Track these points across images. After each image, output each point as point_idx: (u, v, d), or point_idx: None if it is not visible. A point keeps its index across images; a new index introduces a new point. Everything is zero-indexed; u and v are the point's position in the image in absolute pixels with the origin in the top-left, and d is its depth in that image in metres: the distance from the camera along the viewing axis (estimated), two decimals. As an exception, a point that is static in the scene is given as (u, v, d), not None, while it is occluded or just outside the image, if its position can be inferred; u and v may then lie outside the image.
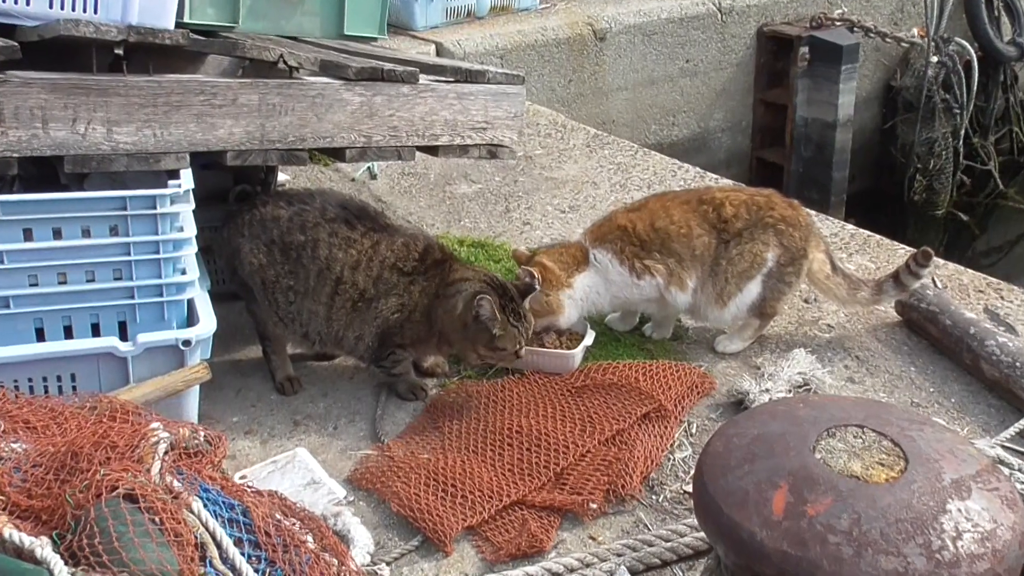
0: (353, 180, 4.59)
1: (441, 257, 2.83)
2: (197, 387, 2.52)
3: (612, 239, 3.00)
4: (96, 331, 2.46)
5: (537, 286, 2.87)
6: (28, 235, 2.35)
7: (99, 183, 2.56)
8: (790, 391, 2.78)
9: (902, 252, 3.70)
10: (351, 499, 2.45)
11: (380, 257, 2.75)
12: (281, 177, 4.18)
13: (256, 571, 1.70)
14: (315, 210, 2.77)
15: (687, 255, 2.96)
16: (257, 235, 2.76)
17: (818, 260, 3.04)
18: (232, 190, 3.31)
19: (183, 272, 2.52)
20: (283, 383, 2.92)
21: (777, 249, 2.97)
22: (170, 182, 2.49)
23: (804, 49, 6.95)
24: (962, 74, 7.45)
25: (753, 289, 2.99)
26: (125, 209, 2.39)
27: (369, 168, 4.67)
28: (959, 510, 1.56)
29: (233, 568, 1.67)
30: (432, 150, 3.01)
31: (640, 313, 3.22)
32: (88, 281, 2.43)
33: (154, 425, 1.96)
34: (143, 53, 2.58)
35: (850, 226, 4.00)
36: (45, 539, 1.63)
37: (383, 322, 2.76)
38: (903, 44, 7.40)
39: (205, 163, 2.91)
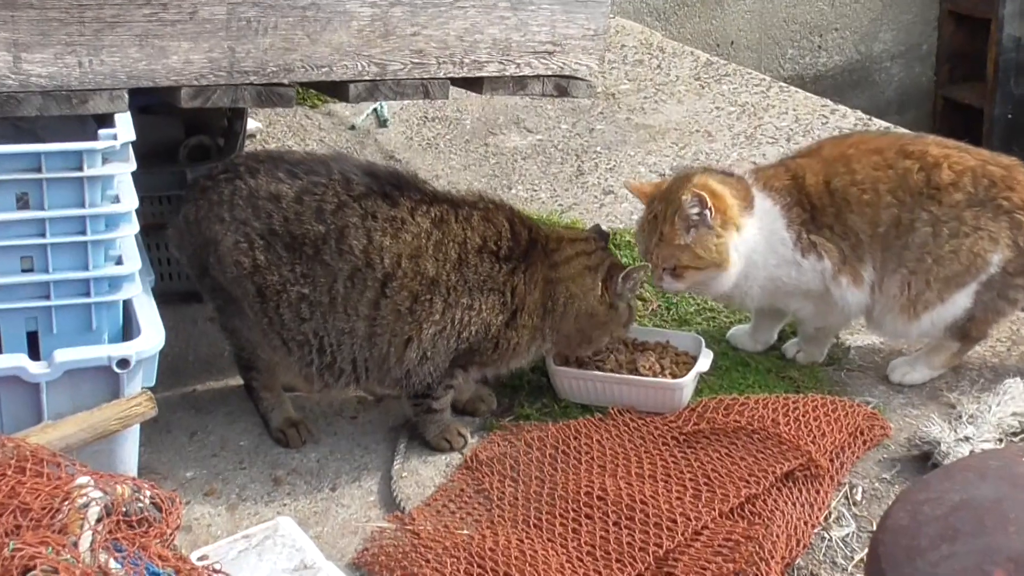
0: (353, 128, 4.64)
1: (531, 234, 2.90)
2: (137, 427, 2.54)
3: (781, 190, 3.01)
4: (-5, 345, 2.50)
5: (709, 219, 2.89)
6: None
7: (1, 133, 2.60)
8: (1001, 440, 2.77)
9: None
10: (359, 592, 2.49)
11: (456, 238, 2.79)
12: (251, 124, 4.26)
13: None
14: (333, 184, 2.77)
15: (867, 233, 2.95)
16: (246, 220, 2.75)
17: None
18: (183, 144, 3.36)
19: (118, 262, 2.55)
20: (284, 430, 2.92)
21: (1008, 250, 2.94)
22: (101, 131, 2.51)
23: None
24: None
25: (960, 301, 2.97)
26: (39, 171, 2.41)
27: (376, 111, 4.72)
28: None
29: None
30: (475, 84, 3.04)
31: (782, 323, 3.25)
32: (-17, 274, 2.47)
33: (81, 480, 2.00)
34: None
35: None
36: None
37: (480, 329, 2.80)
38: None
39: (144, 105, 2.95)
